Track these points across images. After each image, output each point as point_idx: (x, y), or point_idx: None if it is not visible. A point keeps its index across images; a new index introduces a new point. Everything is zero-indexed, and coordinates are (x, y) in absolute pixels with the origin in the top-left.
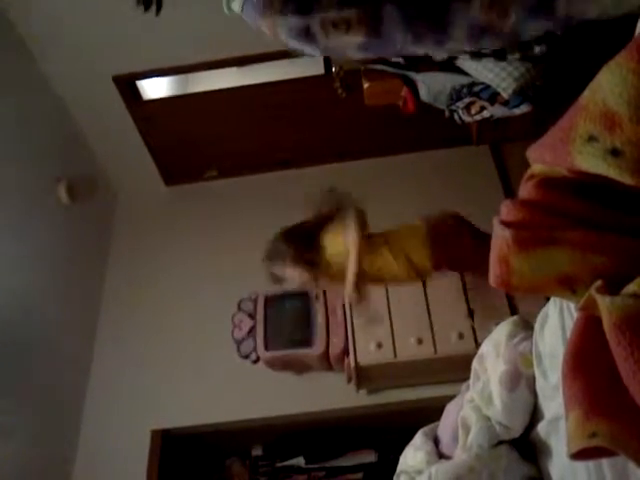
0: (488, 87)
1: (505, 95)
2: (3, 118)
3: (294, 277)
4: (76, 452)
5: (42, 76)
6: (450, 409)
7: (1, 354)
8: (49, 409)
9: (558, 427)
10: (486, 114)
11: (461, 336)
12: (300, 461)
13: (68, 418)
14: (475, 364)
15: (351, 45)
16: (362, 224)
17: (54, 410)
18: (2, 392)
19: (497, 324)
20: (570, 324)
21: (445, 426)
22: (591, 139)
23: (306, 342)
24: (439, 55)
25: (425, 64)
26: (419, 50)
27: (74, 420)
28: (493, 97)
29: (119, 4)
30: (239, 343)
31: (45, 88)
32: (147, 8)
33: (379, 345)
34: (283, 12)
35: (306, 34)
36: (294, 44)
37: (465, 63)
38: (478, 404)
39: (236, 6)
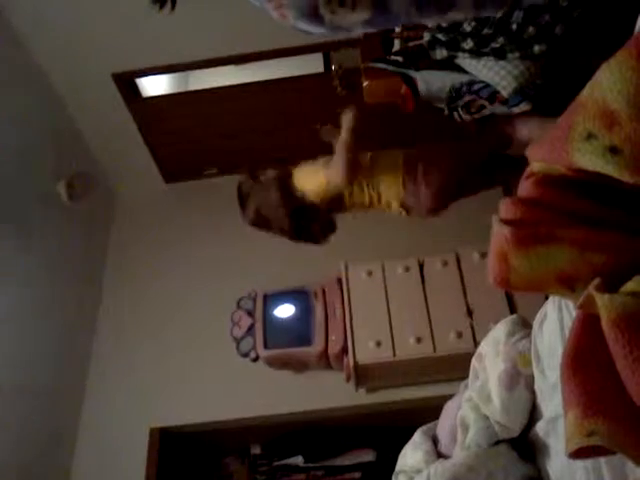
0: (488, 86)
1: (505, 94)
2: (1, 117)
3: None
4: (74, 450)
5: (41, 74)
6: (449, 408)
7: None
8: (47, 408)
9: (557, 426)
10: (485, 113)
11: (460, 335)
12: (299, 460)
13: (67, 416)
14: (474, 363)
15: (357, 22)
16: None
17: (53, 408)
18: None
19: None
20: (569, 322)
21: (444, 425)
22: (590, 137)
23: (305, 340)
24: (438, 53)
25: (425, 62)
26: (422, 20)
27: (73, 418)
28: (493, 96)
29: (118, 1)
30: (238, 341)
31: (44, 86)
32: (162, 7)
33: (378, 344)
34: None
35: (314, 14)
36: (301, 25)
37: (465, 61)
38: (477, 403)
39: None
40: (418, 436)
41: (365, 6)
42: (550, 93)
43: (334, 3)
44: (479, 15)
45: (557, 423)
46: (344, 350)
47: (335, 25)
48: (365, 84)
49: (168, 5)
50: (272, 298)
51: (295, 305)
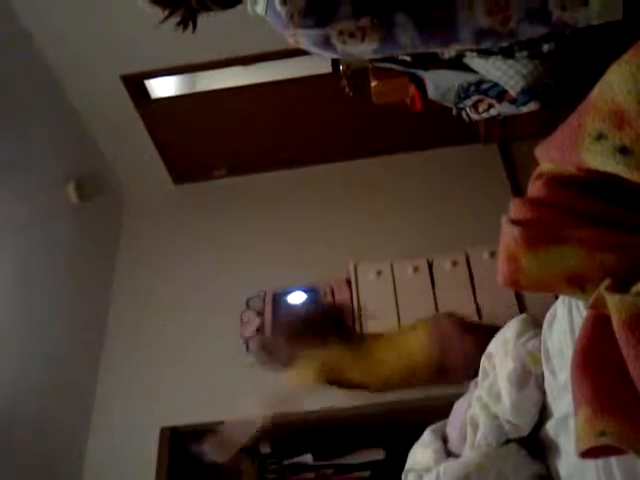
0: (496, 85)
1: (513, 93)
2: (12, 118)
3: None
4: (85, 449)
5: (50, 75)
6: (458, 407)
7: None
8: (57, 407)
9: (567, 426)
10: (494, 112)
11: None
12: (308, 458)
13: (77, 415)
14: (484, 361)
15: (367, 51)
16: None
17: (63, 408)
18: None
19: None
20: (579, 323)
21: (453, 424)
22: (600, 137)
23: None
24: (447, 53)
25: (433, 62)
26: (428, 50)
27: (83, 417)
28: (501, 95)
29: (127, 4)
30: (247, 341)
31: (53, 88)
32: (186, 27)
33: None
34: (303, 25)
35: (326, 43)
36: (315, 51)
37: (473, 61)
38: (486, 402)
39: (260, 10)
40: (428, 435)
41: (373, 37)
42: (559, 92)
43: (345, 35)
44: (480, 47)
45: (567, 422)
46: None
47: (346, 52)
48: (373, 84)
49: (190, 26)
50: (281, 297)
51: (304, 304)
